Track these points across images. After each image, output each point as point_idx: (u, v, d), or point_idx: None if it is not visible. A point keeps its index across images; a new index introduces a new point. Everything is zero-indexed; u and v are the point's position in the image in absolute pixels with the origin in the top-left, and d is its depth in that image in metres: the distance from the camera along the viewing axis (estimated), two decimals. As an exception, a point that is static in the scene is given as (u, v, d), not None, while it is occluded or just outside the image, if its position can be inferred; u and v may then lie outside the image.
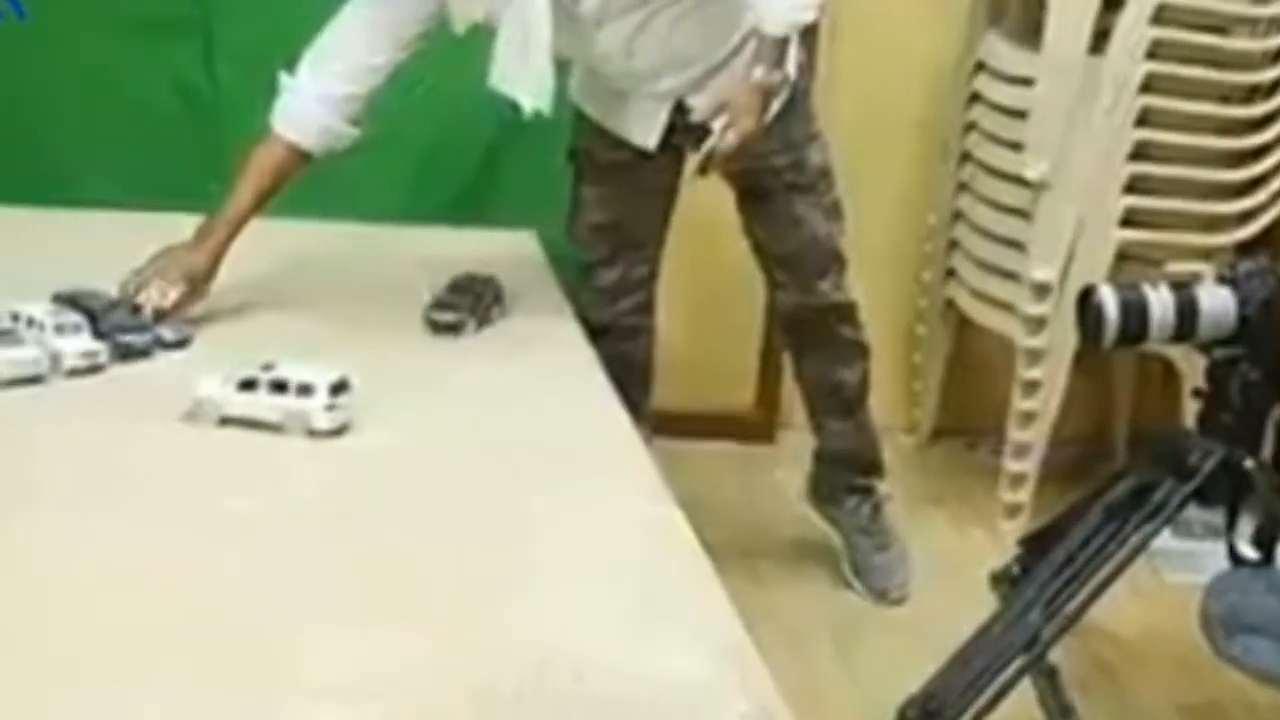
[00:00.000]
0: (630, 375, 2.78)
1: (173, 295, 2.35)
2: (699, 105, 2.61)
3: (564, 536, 1.77)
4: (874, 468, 3.14)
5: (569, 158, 2.87)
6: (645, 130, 2.71)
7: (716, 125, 2.47)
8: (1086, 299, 2.30)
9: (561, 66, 2.54)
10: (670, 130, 2.69)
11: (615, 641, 1.54)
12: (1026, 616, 2.23)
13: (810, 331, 2.97)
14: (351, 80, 2.52)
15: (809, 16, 2.49)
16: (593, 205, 2.85)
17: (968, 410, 3.71)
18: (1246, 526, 2.31)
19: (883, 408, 3.40)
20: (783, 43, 2.47)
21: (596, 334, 2.63)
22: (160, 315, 2.31)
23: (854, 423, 3.07)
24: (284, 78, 2.52)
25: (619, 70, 2.63)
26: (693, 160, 2.65)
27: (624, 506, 1.87)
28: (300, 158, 2.52)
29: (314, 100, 2.50)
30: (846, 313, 2.97)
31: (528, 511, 1.83)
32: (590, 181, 2.84)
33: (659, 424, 2.99)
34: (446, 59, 3.24)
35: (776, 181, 2.79)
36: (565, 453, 2.01)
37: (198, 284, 2.41)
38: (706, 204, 3.45)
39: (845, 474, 3.14)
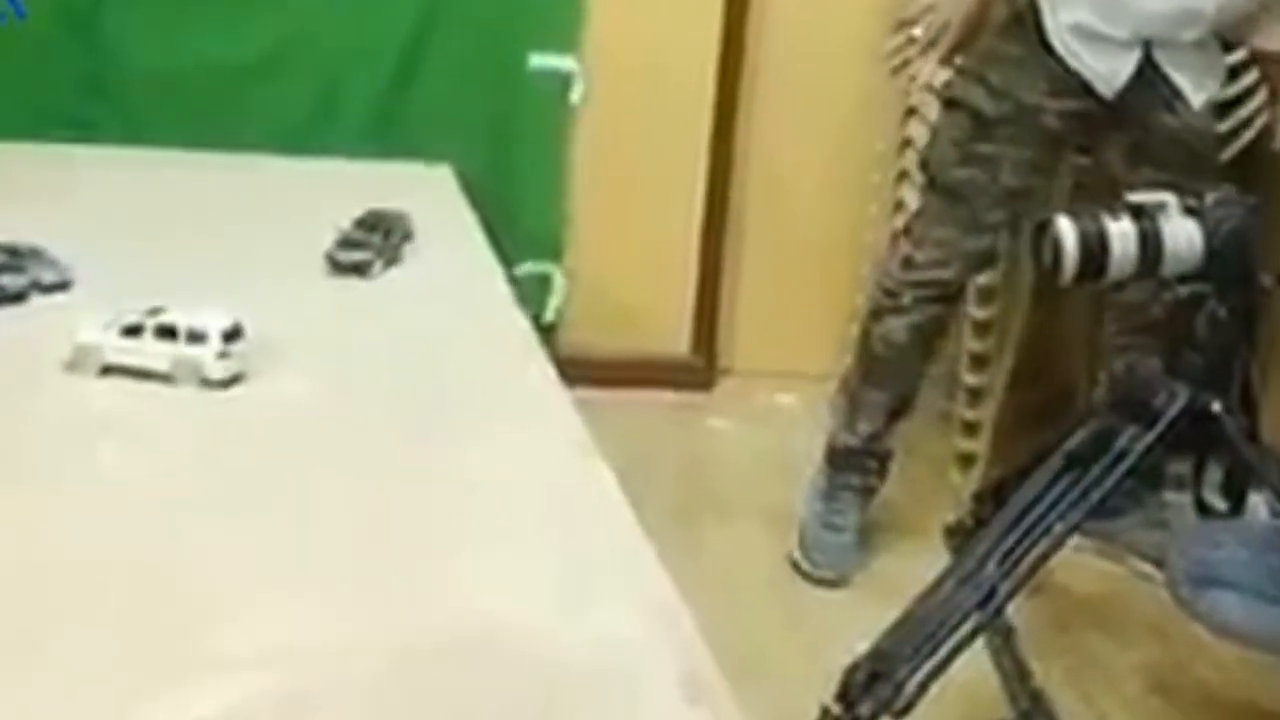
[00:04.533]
0: (938, 341, 3.04)
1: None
2: None
3: (481, 494, 1.74)
4: None
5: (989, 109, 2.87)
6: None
7: None
8: (1042, 231, 2.29)
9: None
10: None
11: (539, 604, 1.52)
12: (980, 572, 2.22)
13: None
14: None
15: None
16: (1014, 167, 2.88)
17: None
18: (1215, 475, 2.32)
19: (825, 353, 3.41)
20: None
21: (933, 298, 2.92)
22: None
23: None
24: None
25: None
26: None
27: (546, 460, 1.85)
28: None
29: None
30: None
31: (441, 467, 1.80)
32: (1024, 143, 2.87)
33: (585, 371, 2.98)
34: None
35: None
36: (482, 403, 1.98)
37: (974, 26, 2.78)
38: (639, 135, 3.45)
39: None
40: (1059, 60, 2.78)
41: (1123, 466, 2.24)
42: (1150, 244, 2.24)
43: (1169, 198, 2.26)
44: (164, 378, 1.93)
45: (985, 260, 3.01)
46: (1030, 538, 2.24)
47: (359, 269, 2.40)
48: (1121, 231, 2.24)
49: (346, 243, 2.44)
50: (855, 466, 3.08)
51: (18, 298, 2.17)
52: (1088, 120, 2.84)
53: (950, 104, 2.92)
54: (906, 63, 2.85)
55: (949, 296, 2.98)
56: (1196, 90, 2.81)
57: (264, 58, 3.25)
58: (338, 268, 2.40)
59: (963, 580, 2.23)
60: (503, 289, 2.47)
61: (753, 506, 3.24)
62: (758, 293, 3.74)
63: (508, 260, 2.71)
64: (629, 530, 1.71)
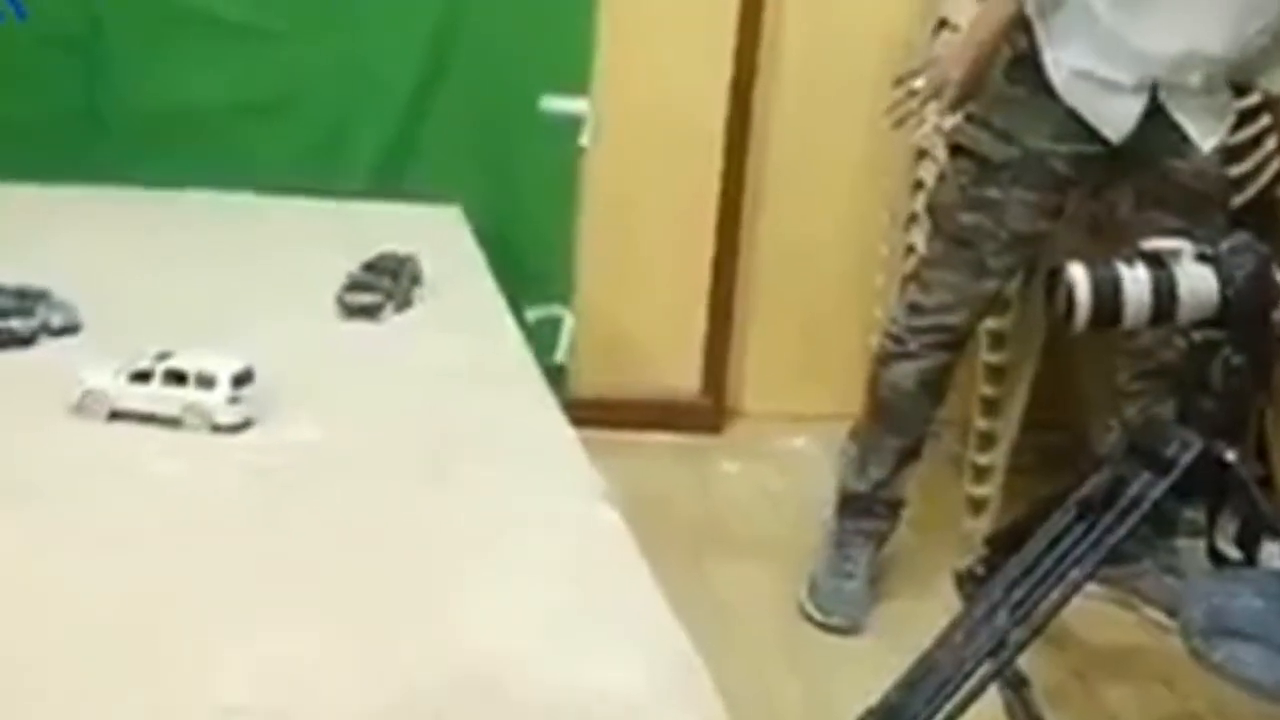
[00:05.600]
0: (945, 387, 3.04)
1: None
2: None
3: (490, 538, 1.76)
4: None
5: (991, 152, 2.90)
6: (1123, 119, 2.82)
7: None
8: (1055, 278, 2.31)
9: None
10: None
11: (546, 651, 1.53)
12: (992, 621, 2.23)
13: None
14: None
15: None
16: (1023, 210, 2.89)
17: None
18: (1229, 524, 2.33)
19: (836, 394, 3.42)
20: None
21: (942, 345, 2.95)
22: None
23: None
24: None
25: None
26: None
27: (555, 504, 1.86)
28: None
29: None
30: None
31: (450, 511, 1.81)
32: (1030, 186, 2.88)
33: (595, 413, 3.00)
34: (363, 7, 3.25)
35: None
36: (491, 446, 2.00)
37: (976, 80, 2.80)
38: (649, 176, 3.47)
39: None
40: (1062, 104, 2.81)
41: (1136, 514, 2.25)
42: (1164, 291, 2.26)
43: (1184, 244, 2.28)
44: (173, 423, 1.95)
45: (993, 305, 3.04)
46: (1044, 586, 2.24)
47: (369, 312, 2.41)
48: (1135, 278, 2.26)
49: (356, 286, 2.45)
50: (865, 513, 3.10)
51: (26, 341, 2.19)
52: (1095, 164, 2.86)
53: (956, 149, 2.95)
54: (909, 115, 2.87)
55: (957, 342, 3.00)
56: (1205, 135, 2.83)
57: (271, 96, 3.27)
58: (348, 311, 2.42)
59: (974, 629, 2.24)
60: (513, 332, 2.48)
61: (763, 550, 3.25)
62: (769, 334, 3.76)
63: (517, 302, 2.73)
64: (641, 577, 1.72)
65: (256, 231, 2.85)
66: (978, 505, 3.31)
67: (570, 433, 2.10)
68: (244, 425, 1.97)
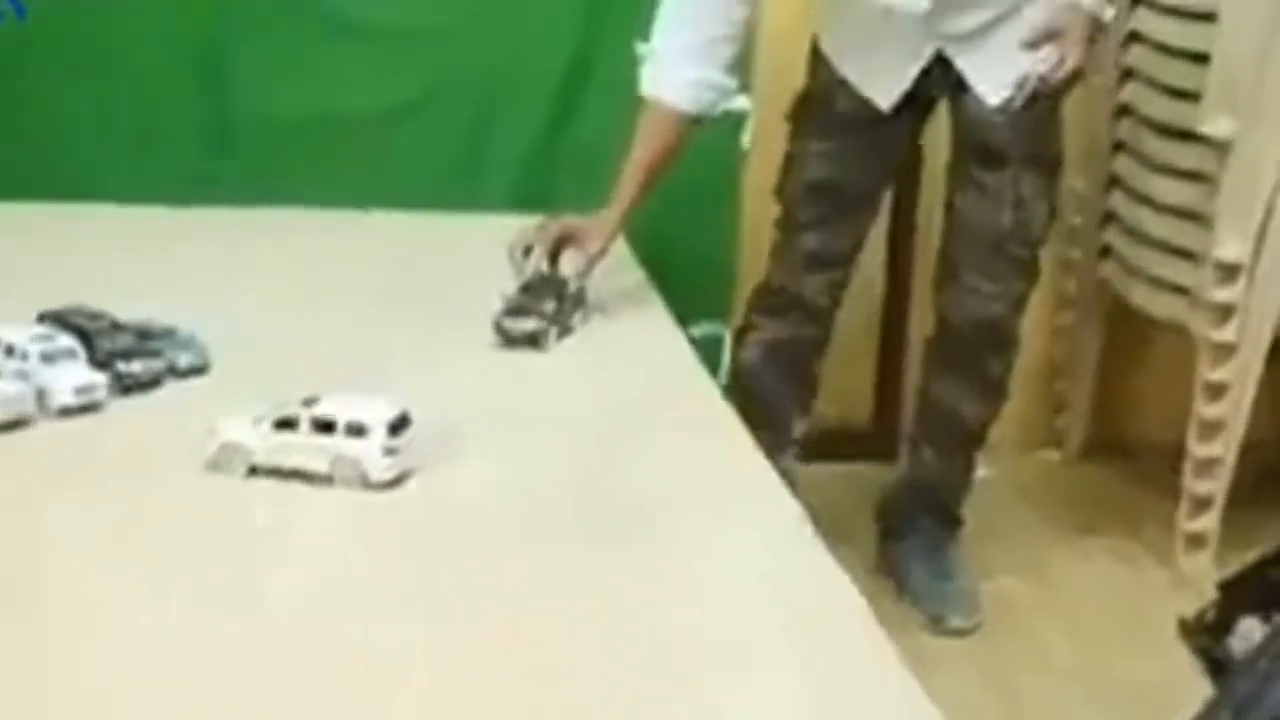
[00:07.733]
0: (802, 367, 2.99)
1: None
2: (1033, 24, 2.59)
3: (696, 612, 1.56)
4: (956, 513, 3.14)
5: (794, 108, 2.88)
6: (891, 86, 2.73)
7: (1040, 54, 2.55)
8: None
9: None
10: (911, 93, 2.75)
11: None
12: (1258, 707, 2.00)
13: (960, 356, 2.93)
14: (714, 26, 2.56)
15: None
16: (816, 160, 2.84)
17: (1129, 418, 3.52)
18: None
19: (1017, 417, 3.20)
20: None
21: (779, 310, 2.91)
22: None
23: (963, 461, 3.08)
24: (639, 45, 2.59)
25: None
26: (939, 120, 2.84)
27: (763, 556, 1.67)
28: (681, 121, 2.58)
29: (678, 56, 2.55)
30: (1006, 344, 2.91)
31: (646, 579, 1.62)
32: (818, 135, 2.84)
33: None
34: (497, 16, 3.04)
35: (1017, 149, 2.73)
36: (686, 497, 1.80)
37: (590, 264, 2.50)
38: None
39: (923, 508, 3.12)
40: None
41: None
42: None
43: None
44: (321, 478, 1.76)
45: (812, 263, 2.90)
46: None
47: (533, 339, 2.24)
48: None
49: (515, 310, 2.27)
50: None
51: (151, 385, 2.01)
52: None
53: None
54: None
55: (796, 307, 2.94)
56: (993, 89, 2.67)
57: (404, 104, 3.07)
58: (509, 338, 2.24)
59: (1238, 712, 2.00)
60: (689, 359, 2.31)
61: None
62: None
63: (679, 319, 2.54)
64: (877, 640, 1.53)
65: (397, 251, 2.67)
66: (1196, 541, 3.06)
67: (775, 478, 1.90)
68: (401, 480, 1.77)
